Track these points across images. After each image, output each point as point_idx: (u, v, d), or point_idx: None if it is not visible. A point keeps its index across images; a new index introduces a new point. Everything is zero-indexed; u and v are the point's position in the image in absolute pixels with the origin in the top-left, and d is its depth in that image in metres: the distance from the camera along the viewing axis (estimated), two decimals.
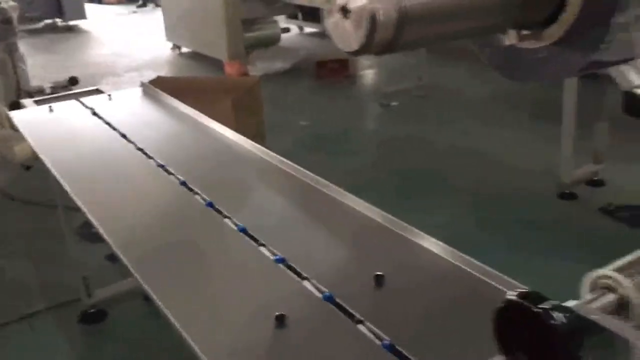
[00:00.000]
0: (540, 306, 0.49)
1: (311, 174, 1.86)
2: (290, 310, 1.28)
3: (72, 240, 2.71)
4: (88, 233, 2.32)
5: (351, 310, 1.29)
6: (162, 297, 1.36)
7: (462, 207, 3.55)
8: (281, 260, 1.48)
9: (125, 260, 1.52)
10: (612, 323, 0.49)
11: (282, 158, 1.98)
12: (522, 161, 4.04)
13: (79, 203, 1.82)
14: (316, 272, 1.43)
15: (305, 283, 1.40)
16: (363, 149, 4.60)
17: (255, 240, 1.58)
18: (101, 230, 1.67)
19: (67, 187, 1.93)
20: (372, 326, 1.24)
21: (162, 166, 2.04)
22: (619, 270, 0.54)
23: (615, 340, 0.49)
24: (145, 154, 2.15)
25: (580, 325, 0.48)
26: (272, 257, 1.49)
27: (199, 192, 1.85)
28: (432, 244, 1.49)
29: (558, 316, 0.48)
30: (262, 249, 1.54)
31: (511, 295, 0.50)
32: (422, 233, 1.52)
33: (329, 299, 1.34)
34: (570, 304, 0.52)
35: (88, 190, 1.94)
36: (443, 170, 4.01)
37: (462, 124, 4.77)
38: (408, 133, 4.72)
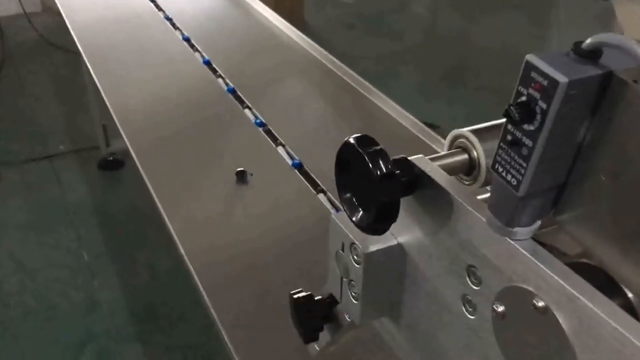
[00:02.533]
0: (367, 149, 0.49)
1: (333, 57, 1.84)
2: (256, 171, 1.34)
3: (93, 89, 2.78)
4: None
5: (315, 179, 1.33)
6: (145, 163, 1.41)
7: (484, 103, 3.49)
8: (261, 125, 1.52)
9: (119, 125, 1.57)
10: (441, 178, 0.50)
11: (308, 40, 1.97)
12: None
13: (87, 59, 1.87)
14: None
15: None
16: (402, 34, 4.48)
17: (242, 101, 1.62)
18: (101, 91, 1.72)
19: (80, 48, 1.97)
20: (332, 196, 1.28)
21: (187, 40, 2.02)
22: (477, 132, 0.55)
23: (441, 195, 0.50)
24: (173, 24, 2.13)
25: (402, 174, 0.49)
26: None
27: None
28: None
29: (378, 162, 0.49)
30: (246, 110, 1.58)
31: (350, 139, 0.51)
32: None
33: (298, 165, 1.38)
34: (413, 158, 0.53)
35: (102, 47, 1.97)
36: (476, 67, 3.91)
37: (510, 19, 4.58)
38: (454, 25, 4.57)
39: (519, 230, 0.43)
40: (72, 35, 2.07)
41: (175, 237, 1.20)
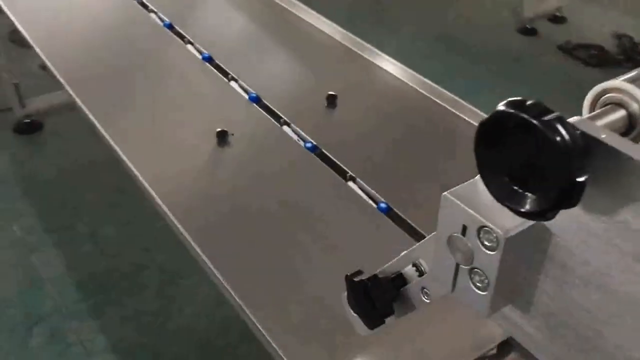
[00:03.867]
0: (539, 118, 0.39)
1: None
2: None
3: (2, 45, 2.49)
4: (20, 38, 2.13)
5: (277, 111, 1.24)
6: (95, 111, 1.26)
7: (419, 38, 3.43)
8: (255, 99, 1.38)
9: (53, 69, 1.39)
10: (622, 144, 0.40)
11: None
12: None
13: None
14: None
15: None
16: None
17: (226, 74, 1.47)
18: (26, 35, 1.50)
19: None
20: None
21: None
22: (631, 81, 0.45)
23: (622, 166, 0.40)
24: None
25: (584, 144, 0.39)
26: (246, 96, 1.39)
27: None
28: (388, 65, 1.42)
29: (558, 130, 0.38)
30: (233, 83, 1.43)
31: (502, 106, 0.40)
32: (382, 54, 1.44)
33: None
34: (572, 120, 0.43)
35: None
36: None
37: None
38: None
39: None
40: None
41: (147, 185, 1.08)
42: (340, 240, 1.01)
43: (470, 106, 1.30)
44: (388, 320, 0.71)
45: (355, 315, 0.76)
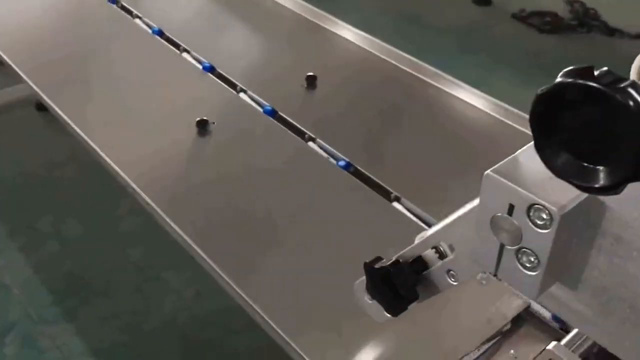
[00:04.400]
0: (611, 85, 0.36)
1: None
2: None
3: None
4: None
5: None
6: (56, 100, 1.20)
7: (373, 10, 3.40)
8: (209, 69, 1.32)
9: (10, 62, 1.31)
10: None
11: None
12: None
13: None
14: None
15: None
16: None
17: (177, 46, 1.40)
18: None
19: None
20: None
21: None
22: None
23: None
24: None
25: None
26: (199, 66, 1.34)
27: None
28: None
29: (632, 95, 0.36)
30: (185, 55, 1.37)
31: (562, 77, 0.37)
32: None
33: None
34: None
35: None
36: None
37: None
38: None
39: None
40: None
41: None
42: (341, 228, 0.98)
43: (449, 77, 1.28)
44: (410, 305, 0.68)
45: (371, 302, 0.73)
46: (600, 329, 0.50)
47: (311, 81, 1.25)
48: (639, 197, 0.43)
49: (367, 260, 0.66)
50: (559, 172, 0.41)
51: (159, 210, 0.98)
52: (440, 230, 0.62)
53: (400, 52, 1.37)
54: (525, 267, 0.48)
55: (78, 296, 1.89)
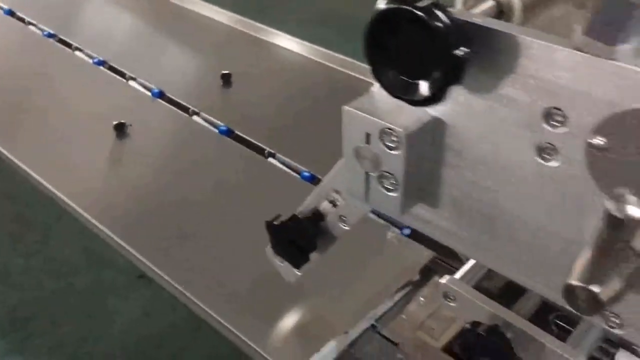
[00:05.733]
0: (418, 6, 0.43)
1: None
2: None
3: None
4: None
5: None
6: None
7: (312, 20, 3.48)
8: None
9: None
10: (498, 24, 0.45)
11: None
12: None
13: None
14: None
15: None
16: None
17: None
18: None
19: None
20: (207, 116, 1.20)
21: None
22: None
23: (496, 43, 0.45)
24: None
25: (459, 26, 0.44)
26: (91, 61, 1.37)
27: None
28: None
29: (434, 13, 0.42)
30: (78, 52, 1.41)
31: (387, 3, 0.44)
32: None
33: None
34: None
35: None
36: None
37: None
38: None
39: (625, 49, 0.40)
40: None
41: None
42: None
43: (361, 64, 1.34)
44: (313, 256, 0.74)
45: (282, 264, 0.78)
46: (462, 240, 0.57)
47: (227, 79, 1.30)
48: (470, 109, 0.50)
49: (268, 220, 0.72)
50: (390, 89, 0.47)
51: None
52: (327, 180, 0.68)
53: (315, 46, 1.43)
54: (387, 190, 0.54)
55: (24, 330, 1.88)
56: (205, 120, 1.23)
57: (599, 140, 0.43)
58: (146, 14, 1.65)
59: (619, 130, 0.42)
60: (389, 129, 0.51)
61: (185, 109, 1.25)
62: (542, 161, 0.47)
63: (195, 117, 1.23)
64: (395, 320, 0.85)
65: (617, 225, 0.38)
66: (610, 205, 0.37)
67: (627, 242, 0.39)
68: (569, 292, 0.44)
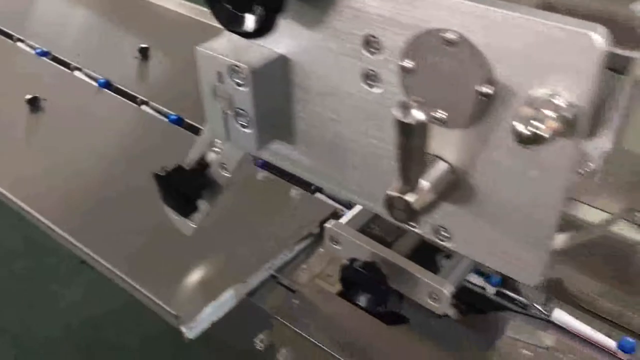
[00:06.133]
0: None
1: None
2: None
3: None
4: None
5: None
6: None
7: None
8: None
9: None
10: None
11: None
12: None
13: None
14: None
15: None
16: None
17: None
18: None
19: None
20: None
21: None
22: None
23: None
24: None
25: None
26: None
27: None
28: None
29: None
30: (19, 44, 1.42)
31: None
32: None
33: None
34: None
35: None
36: None
37: None
38: None
39: None
40: None
41: None
42: None
43: None
44: (202, 206, 0.77)
45: (178, 218, 0.81)
46: (315, 171, 0.61)
47: (144, 52, 1.32)
48: (308, 43, 0.53)
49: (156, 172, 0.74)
50: (225, 24, 0.50)
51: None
52: (207, 128, 0.72)
53: None
54: (243, 126, 0.58)
55: None
56: (120, 92, 1.26)
57: (408, 63, 0.47)
58: None
59: (423, 52, 0.46)
60: (236, 66, 0.55)
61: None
62: (368, 88, 0.51)
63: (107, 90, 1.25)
64: (296, 271, 0.89)
65: (407, 131, 0.42)
66: (397, 113, 0.41)
67: (421, 147, 0.43)
68: (389, 202, 0.48)
